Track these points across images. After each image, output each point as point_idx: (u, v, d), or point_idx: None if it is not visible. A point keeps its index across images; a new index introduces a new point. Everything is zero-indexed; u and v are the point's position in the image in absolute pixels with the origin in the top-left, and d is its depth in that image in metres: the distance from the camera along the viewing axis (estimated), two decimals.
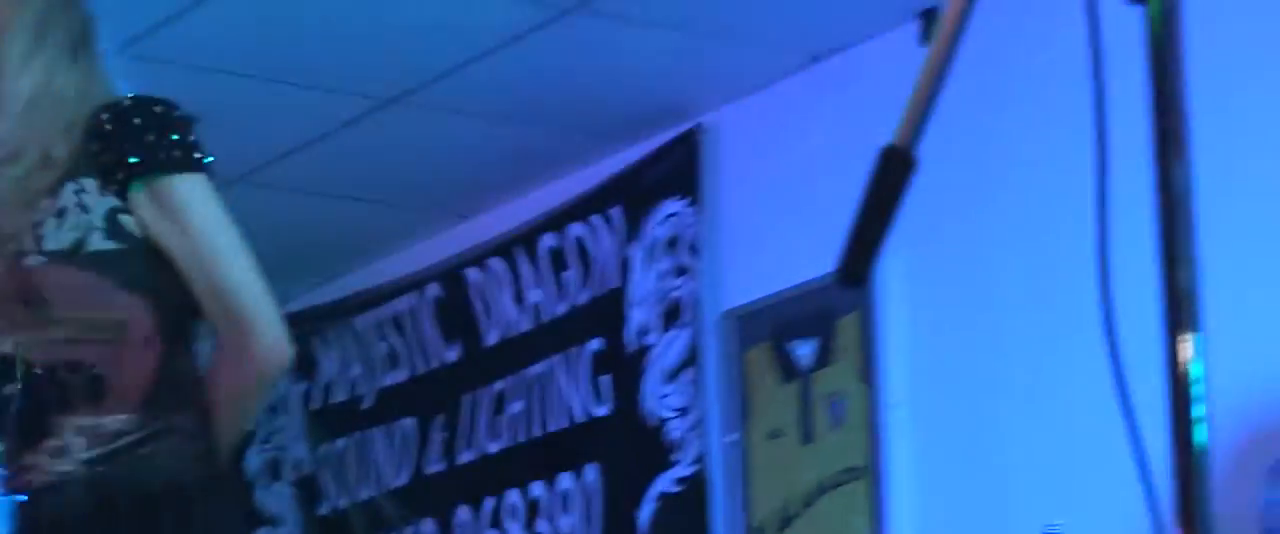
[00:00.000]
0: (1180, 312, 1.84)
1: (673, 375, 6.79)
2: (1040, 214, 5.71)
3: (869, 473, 6.24)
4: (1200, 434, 1.81)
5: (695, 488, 6.67)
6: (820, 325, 6.47)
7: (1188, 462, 1.80)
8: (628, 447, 6.90)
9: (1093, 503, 4.55)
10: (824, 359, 6.46)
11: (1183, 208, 1.86)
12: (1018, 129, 5.93)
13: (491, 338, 7.49)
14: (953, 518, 5.99)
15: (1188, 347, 1.83)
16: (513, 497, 7.26)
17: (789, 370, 6.55)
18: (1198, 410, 1.81)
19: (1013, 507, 5.32)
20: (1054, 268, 5.41)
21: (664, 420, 6.79)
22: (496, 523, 7.29)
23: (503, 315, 7.45)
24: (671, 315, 6.84)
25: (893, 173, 1.91)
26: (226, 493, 3.45)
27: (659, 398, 6.82)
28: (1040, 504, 4.06)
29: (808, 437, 6.46)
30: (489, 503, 7.33)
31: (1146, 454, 1.88)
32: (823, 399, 6.44)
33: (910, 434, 6.21)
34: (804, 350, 6.52)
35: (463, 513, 7.41)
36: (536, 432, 7.24)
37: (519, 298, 7.40)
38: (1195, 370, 1.82)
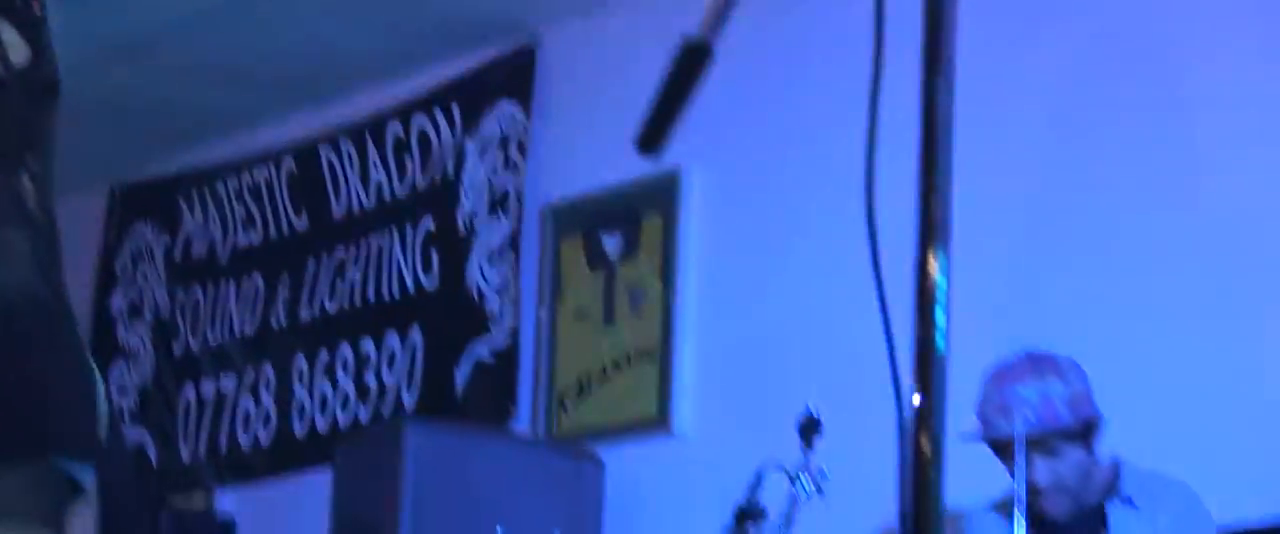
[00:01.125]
0: (932, 231, 1.84)
1: (495, 256, 6.79)
2: (822, 138, 5.74)
3: (659, 355, 6.27)
4: (940, 340, 1.82)
5: (507, 356, 6.67)
6: (628, 223, 6.49)
7: (928, 361, 1.81)
8: (450, 316, 6.90)
9: (849, 391, 4.59)
10: (629, 253, 6.47)
11: (943, 136, 1.86)
12: (805, 61, 5.96)
13: (338, 211, 7.45)
14: (728, 398, 6.04)
15: (935, 263, 1.83)
16: (345, 351, 7.24)
17: (597, 260, 6.56)
18: (940, 318, 1.82)
19: (781, 391, 5.34)
20: (830, 189, 5.42)
21: (484, 295, 6.79)
22: (329, 374, 7.27)
23: (349, 192, 7.41)
24: (498, 204, 6.83)
25: (691, 61, 1.93)
26: (71, 313, 3.17)
27: (481, 275, 6.82)
28: (805, 390, 4.09)
29: (609, 319, 6.49)
30: (324, 355, 7.31)
31: (897, 353, 1.88)
32: (625, 288, 6.46)
33: (697, 325, 6.25)
34: (612, 244, 6.52)
35: (300, 362, 7.39)
36: (370, 296, 7.22)
37: (364, 178, 7.36)
38: (940, 284, 1.82)
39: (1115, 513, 4.48)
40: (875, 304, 1.96)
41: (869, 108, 1.95)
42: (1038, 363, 4.54)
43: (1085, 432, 4.47)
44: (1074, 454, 4.47)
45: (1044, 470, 4.44)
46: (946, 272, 1.81)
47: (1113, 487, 4.53)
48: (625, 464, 6.15)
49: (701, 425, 6.13)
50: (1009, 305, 5.29)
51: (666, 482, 6.04)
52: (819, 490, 3.90)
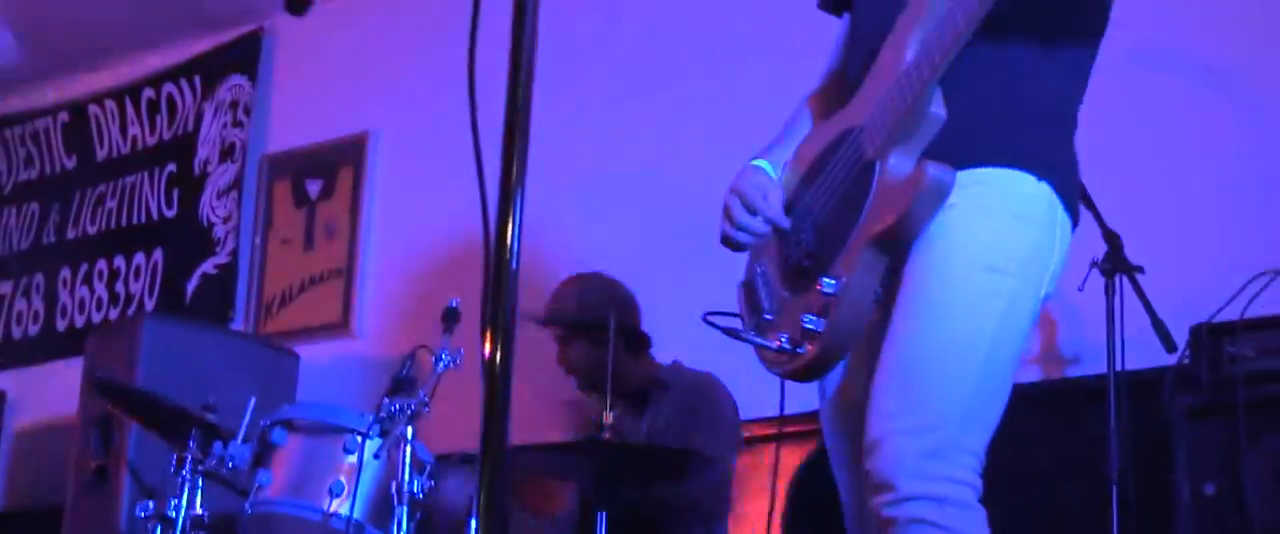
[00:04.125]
0: (512, 173, 1.86)
1: (223, 194, 6.60)
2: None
3: (346, 274, 6.15)
4: (513, 261, 1.82)
5: (228, 271, 6.49)
6: (327, 172, 6.36)
7: (502, 273, 1.82)
8: (184, 240, 6.68)
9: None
10: (326, 195, 6.34)
11: (523, 113, 1.85)
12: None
13: (101, 155, 7.17)
14: (397, 305, 5.94)
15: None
16: (101, 265, 6.97)
17: (301, 199, 6.41)
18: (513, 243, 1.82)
19: (438, 299, 5.26)
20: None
21: (212, 224, 6.59)
22: (87, 282, 6.99)
23: (110, 140, 7.14)
24: (227, 153, 6.64)
25: None
26: None
27: (211, 208, 6.62)
28: (452, 294, 4.02)
29: (309, 245, 6.33)
30: (84, 267, 7.03)
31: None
32: (322, 222, 6.32)
33: (376, 251, 6.15)
34: (314, 187, 6.38)
35: (65, 271, 7.09)
36: (123, 222, 6.96)
37: (123, 129, 7.10)
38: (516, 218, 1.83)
39: (652, 393, 4.54)
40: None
41: (468, 82, 1.91)
42: (582, 279, 4.61)
43: (591, 334, 4.48)
44: (578, 347, 4.53)
45: (560, 352, 4.59)
46: (522, 203, 1.83)
47: (654, 378, 4.57)
48: (316, 357, 6.01)
49: (376, 327, 6.03)
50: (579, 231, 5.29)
51: (347, 370, 5.92)
52: (455, 364, 3.81)
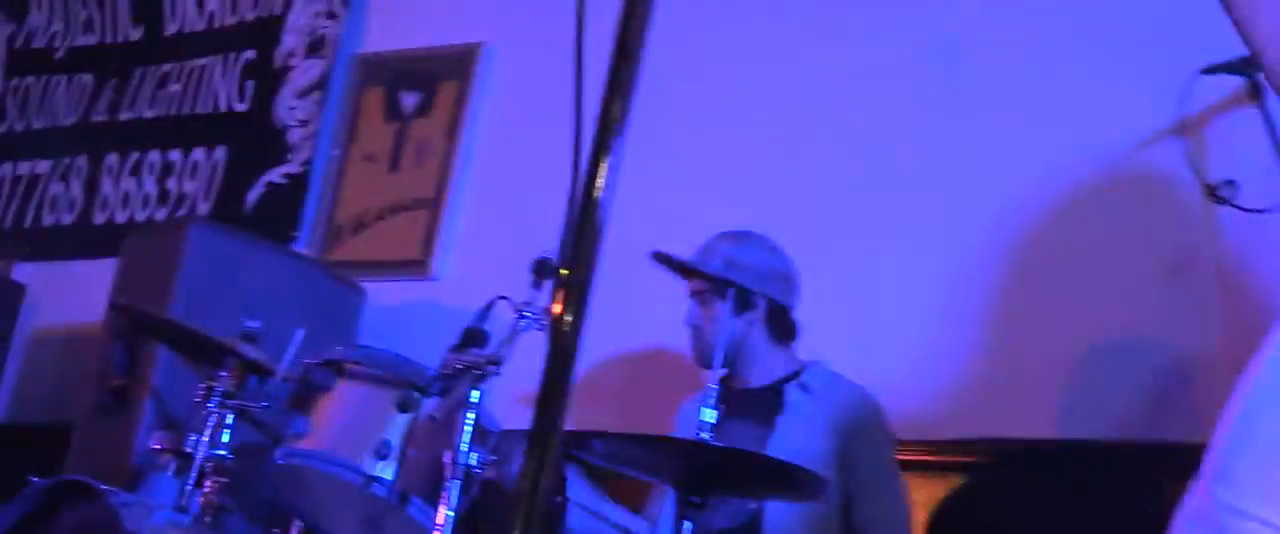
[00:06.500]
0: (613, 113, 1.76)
1: (304, 94, 6.57)
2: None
3: (434, 205, 6.10)
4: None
5: (298, 183, 6.46)
6: (427, 85, 6.30)
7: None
8: (254, 140, 6.66)
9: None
10: (423, 111, 6.28)
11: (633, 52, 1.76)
12: None
13: (170, 29, 7.17)
14: (488, 249, 5.87)
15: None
16: (153, 156, 6.97)
17: (394, 113, 6.36)
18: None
19: (535, 248, 5.23)
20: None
21: (288, 127, 6.57)
22: (135, 173, 7.01)
23: (183, 13, 7.14)
24: (315, 47, 6.61)
25: None
26: None
27: (288, 108, 6.60)
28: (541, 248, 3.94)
29: (395, 167, 6.29)
30: (134, 155, 7.03)
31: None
32: (413, 142, 6.27)
33: (472, 183, 6.09)
34: (409, 101, 6.33)
35: (111, 158, 7.11)
36: (186, 110, 6.96)
37: (200, 3, 7.09)
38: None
39: (791, 393, 4.42)
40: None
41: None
42: (740, 235, 4.51)
43: (737, 296, 4.38)
44: (721, 308, 4.39)
45: (692, 311, 4.50)
46: (623, 142, 1.74)
47: (795, 375, 4.46)
48: (385, 296, 5.98)
49: (460, 270, 5.96)
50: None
51: (419, 314, 5.87)
52: (540, 325, 3.73)
